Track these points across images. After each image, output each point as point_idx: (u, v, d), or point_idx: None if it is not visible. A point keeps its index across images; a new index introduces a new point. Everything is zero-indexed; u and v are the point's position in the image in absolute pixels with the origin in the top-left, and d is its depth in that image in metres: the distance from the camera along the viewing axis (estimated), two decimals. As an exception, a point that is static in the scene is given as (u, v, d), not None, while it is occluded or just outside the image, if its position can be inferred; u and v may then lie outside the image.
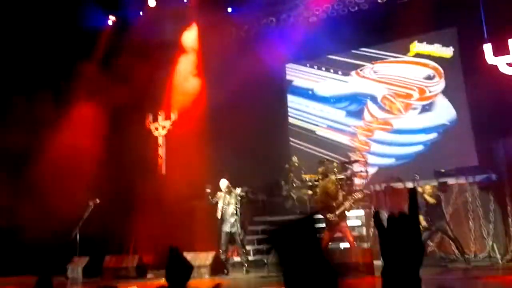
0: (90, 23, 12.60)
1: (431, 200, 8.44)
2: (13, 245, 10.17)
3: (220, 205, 9.19)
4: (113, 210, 10.55)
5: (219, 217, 9.15)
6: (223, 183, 9.29)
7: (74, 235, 9.80)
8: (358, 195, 8.76)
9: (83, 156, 10.80)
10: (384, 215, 7.83)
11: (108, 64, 12.14)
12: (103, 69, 11.91)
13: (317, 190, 9.82)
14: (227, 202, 9.15)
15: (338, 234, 8.86)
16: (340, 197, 8.61)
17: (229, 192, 9.21)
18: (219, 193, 9.28)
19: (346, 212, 8.68)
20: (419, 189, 8.53)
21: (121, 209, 10.77)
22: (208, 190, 9.18)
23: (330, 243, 8.82)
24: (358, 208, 10.07)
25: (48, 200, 9.99)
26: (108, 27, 13.51)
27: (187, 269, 3.31)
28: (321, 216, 8.48)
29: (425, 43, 12.18)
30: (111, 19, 13.53)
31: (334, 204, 8.54)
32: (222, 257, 9.08)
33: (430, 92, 11.98)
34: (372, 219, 9.60)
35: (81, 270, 9.64)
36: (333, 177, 10.05)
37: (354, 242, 8.78)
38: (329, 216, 8.49)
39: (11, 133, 10.03)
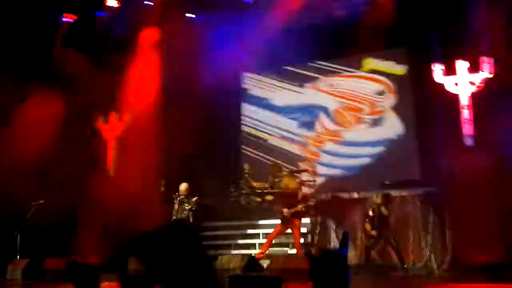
0: (45, 20, 12.31)
1: (385, 211, 8.73)
2: None
3: (175, 209, 9.10)
4: (58, 211, 10.25)
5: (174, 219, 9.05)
6: (184, 186, 9.21)
7: (15, 235, 9.46)
8: (311, 201, 9.35)
9: (29, 155, 10.47)
10: (331, 225, 8.08)
11: (61, 63, 11.85)
12: (55, 68, 11.61)
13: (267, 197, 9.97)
14: (184, 207, 9.07)
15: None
16: (299, 197, 8.94)
17: (188, 195, 9.12)
18: (177, 194, 9.16)
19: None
20: (376, 200, 8.80)
21: (66, 210, 10.48)
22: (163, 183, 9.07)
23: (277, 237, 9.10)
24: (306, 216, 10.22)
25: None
26: (64, 25, 13.22)
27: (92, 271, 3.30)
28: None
29: (379, 59, 12.57)
30: (68, 18, 13.23)
31: (292, 201, 8.81)
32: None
33: (380, 107, 12.35)
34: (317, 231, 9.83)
35: (20, 272, 9.28)
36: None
37: (300, 243, 8.92)
38: (285, 210, 8.73)
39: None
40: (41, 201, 9.77)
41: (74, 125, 11.27)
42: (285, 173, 11.31)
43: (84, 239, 10.43)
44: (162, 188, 9.13)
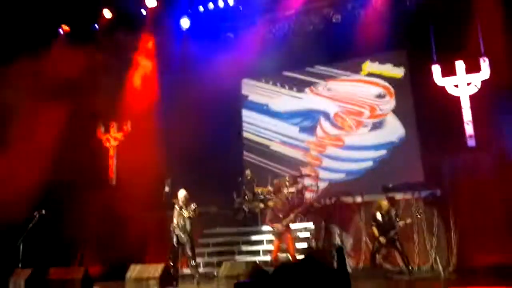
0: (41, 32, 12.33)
1: (394, 216, 8.70)
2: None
3: (175, 216, 9.06)
4: (61, 221, 10.23)
5: (173, 228, 9.00)
6: (181, 193, 9.17)
7: (18, 246, 9.40)
8: (299, 210, 9.89)
9: (31, 165, 10.44)
10: (335, 230, 8.06)
11: (60, 73, 11.84)
12: (55, 78, 11.60)
13: (269, 203, 9.99)
14: (182, 214, 9.02)
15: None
16: (285, 211, 9.27)
17: (186, 202, 9.09)
18: (176, 203, 9.13)
19: (291, 225, 9.28)
20: (384, 204, 8.76)
21: (70, 220, 10.45)
22: (167, 189, 9.07)
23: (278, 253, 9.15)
24: (307, 221, 10.24)
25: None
26: (61, 36, 13.24)
27: None
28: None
29: (377, 63, 12.60)
30: (64, 28, 13.25)
31: (281, 216, 9.14)
32: (171, 269, 8.93)
33: (380, 110, 12.36)
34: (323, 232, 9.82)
35: (23, 283, 9.21)
36: (284, 191, 10.35)
37: (295, 255, 9.06)
38: (276, 226, 9.10)
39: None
40: (43, 211, 9.70)
41: (75, 135, 11.24)
42: (287, 179, 11.30)
43: (86, 248, 10.41)
44: (167, 189, 9.07)
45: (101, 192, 11.17)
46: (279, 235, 9.15)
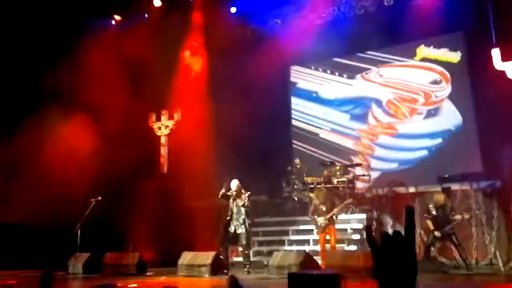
0: (93, 22, 12.61)
1: (449, 209, 8.36)
2: (17, 240, 10.15)
3: (230, 205, 9.12)
4: (115, 208, 10.53)
5: (228, 218, 9.07)
6: (234, 183, 9.21)
7: (75, 231, 9.79)
8: (348, 201, 9.46)
9: (86, 154, 10.76)
10: (387, 221, 7.79)
11: (112, 63, 12.07)
12: (107, 68, 11.84)
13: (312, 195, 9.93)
14: (236, 203, 9.07)
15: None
16: (328, 203, 9.03)
17: (239, 192, 9.12)
18: (228, 193, 9.19)
19: (334, 217, 9.02)
20: (439, 197, 8.42)
21: (123, 207, 10.75)
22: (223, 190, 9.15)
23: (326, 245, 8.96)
24: (359, 212, 10.04)
25: (50, 197, 9.97)
26: (112, 27, 13.50)
27: None
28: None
29: (432, 47, 12.11)
30: (116, 19, 13.50)
31: (324, 209, 8.95)
32: (222, 256, 9.01)
33: (436, 97, 11.90)
34: (375, 223, 9.57)
35: (81, 266, 9.63)
36: (335, 181, 10.17)
37: (335, 247, 8.93)
38: (320, 220, 8.94)
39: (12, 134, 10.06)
40: (99, 198, 10.02)
41: (128, 124, 11.45)
42: (337, 168, 11.10)
43: (140, 234, 10.67)
44: (223, 190, 9.14)
45: (153, 181, 11.36)
46: (322, 228, 8.95)
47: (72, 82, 10.87)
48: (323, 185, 10.68)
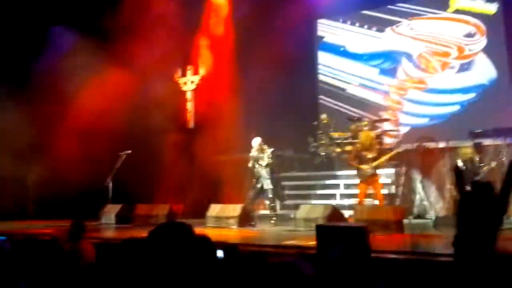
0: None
1: (478, 163, 8.18)
2: (51, 191, 10.41)
3: (252, 162, 9.15)
4: (144, 161, 10.68)
5: (255, 173, 9.11)
6: (256, 141, 9.22)
7: (107, 184, 10.00)
8: (398, 150, 9.18)
9: (115, 108, 10.79)
10: (416, 176, 7.62)
11: (136, 20, 11.91)
12: (131, 25, 11.69)
13: (347, 148, 9.77)
14: (260, 160, 9.10)
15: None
16: (375, 150, 8.58)
17: (261, 150, 9.13)
18: (251, 151, 9.21)
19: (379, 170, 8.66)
20: (467, 151, 8.24)
21: (151, 161, 10.90)
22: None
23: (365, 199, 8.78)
24: (389, 167, 9.89)
25: (83, 149, 10.15)
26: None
27: None
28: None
29: (466, -2, 11.61)
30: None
31: (370, 156, 8.52)
32: (249, 209, 9.11)
33: (469, 50, 11.48)
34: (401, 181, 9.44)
35: (114, 216, 9.90)
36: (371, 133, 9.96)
37: (384, 200, 8.69)
38: (364, 167, 8.49)
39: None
40: (129, 151, 10.18)
41: (155, 80, 11.42)
42: (365, 123, 10.91)
43: (168, 187, 10.82)
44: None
45: (179, 135, 11.41)
46: (366, 177, 8.52)
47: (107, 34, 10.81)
48: (350, 140, 10.57)
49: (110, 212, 10.00)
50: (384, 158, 8.57)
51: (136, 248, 2.04)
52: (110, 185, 9.99)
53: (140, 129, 10.86)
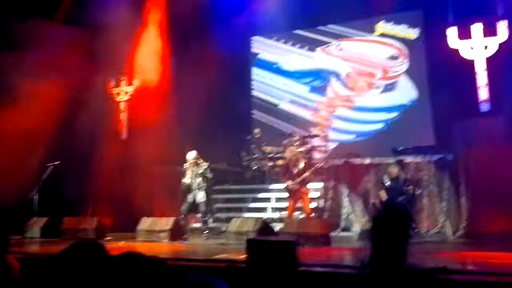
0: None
1: (402, 180, 8.65)
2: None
3: (188, 176, 9.15)
4: (73, 173, 10.35)
5: (186, 186, 9.11)
6: (191, 154, 9.24)
7: (32, 196, 9.61)
8: (319, 165, 9.38)
9: (44, 117, 10.41)
10: (344, 190, 7.94)
11: (71, 25, 11.62)
12: (65, 31, 11.39)
13: (278, 162, 10.02)
14: (195, 173, 9.12)
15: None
16: (301, 165, 8.90)
17: (196, 163, 9.17)
18: (185, 164, 9.23)
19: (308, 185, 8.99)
20: (393, 169, 8.70)
21: (81, 172, 10.58)
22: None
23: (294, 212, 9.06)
24: (317, 181, 10.24)
25: (5, 161, 9.66)
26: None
27: None
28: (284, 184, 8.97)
29: (391, 23, 12.37)
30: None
31: (294, 171, 8.85)
32: (182, 223, 9.09)
33: (393, 72, 12.23)
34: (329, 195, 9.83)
35: (39, 230, 9.49)
36: (296, 149, 10.30)
37: (312, 213, 9.00)
38: (289, 183, 8.85)
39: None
40: (56, 163, 9.85)
41: (86, 88, 11.15)
42: (296, 138, 11.28)
43: (99, 200, 10.56)
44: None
45: (112, 146, 11.18)
46: (293, 192, 8.88)
47: (29, 47, 10.41)
48: (281, 154, 10.85)
49: (35, 225, 9.57)
50: (306, 174, 8.84)
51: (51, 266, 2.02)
52: (36, 197, 9.60)
53: (71, 140, 10.55)
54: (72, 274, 1.80)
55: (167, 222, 8.88)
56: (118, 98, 12.76)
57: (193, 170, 9.13)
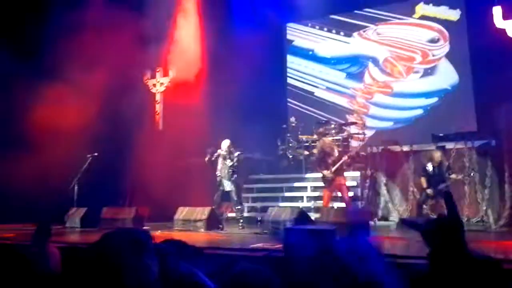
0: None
1: (445, 167, 8.37)
2: (13, 194, 10.13)
3: (219, 164, 9.16)
4: (111, 164, 10.54)
5: (218, 176, 9.13)
6: (226, 143, 9.23)
7: (72, 186, 9.84)
8: (351, 153, 9.20)
9: (83, 110, 10.61)
10: (381, 178, 7.78)
11: (104, 20, 11.75)
12: (99, 24, 11.52)
13: (314, 150, 9.88)
14: (226, 162, 9.12)
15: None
16: (335, 154, 8.73)
17: (229, 152, 9.16)
18: (219, 151, 9.23)
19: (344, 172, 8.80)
20: (436, 155, 8.41)
21: (119, 163, 10.77)
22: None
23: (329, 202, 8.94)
24: (354, 170, 10.08)
25: (47, 152, 9.91)
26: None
27: None
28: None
29: (431, 4, 11.93)
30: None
31: (329, 161, 8.69)
32: (217, 212, 9.12)
33: (433, 55, 11.81)
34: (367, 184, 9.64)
35: (79, 220, 9.72)
36: (329, 138, 10.16)
37: (351, 202, 8.86)
38: (325, 173, 8.68)
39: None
40: (95, 154, 10.05)
41: (123, 82, 11.28)
42: (332, 125, 11.11)
43: (136, 190, 10.74)
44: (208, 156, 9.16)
45: (149, 137, 11.32)
46: (328, 182, 8.72)
47: (68, 39, 10.59)
48: (317, 142, 10.69)
49: (75, 215, 9.81)
50: (340, 163, 8.64)
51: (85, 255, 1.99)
52: (76, 188, 9.84)
53: (109, 132, 10.72)
54: (115, 261, 1.74)
55: (203, 212, 8.94)
56: (153, 90, 12.88)
57: (225, 160, 9.13)
